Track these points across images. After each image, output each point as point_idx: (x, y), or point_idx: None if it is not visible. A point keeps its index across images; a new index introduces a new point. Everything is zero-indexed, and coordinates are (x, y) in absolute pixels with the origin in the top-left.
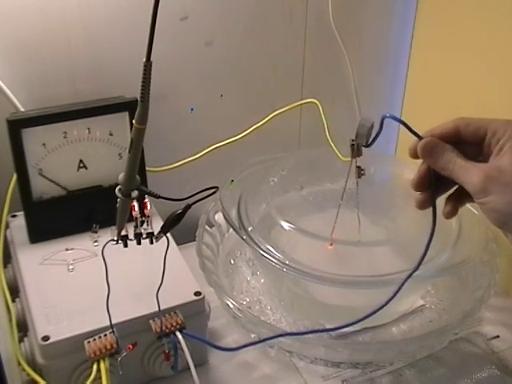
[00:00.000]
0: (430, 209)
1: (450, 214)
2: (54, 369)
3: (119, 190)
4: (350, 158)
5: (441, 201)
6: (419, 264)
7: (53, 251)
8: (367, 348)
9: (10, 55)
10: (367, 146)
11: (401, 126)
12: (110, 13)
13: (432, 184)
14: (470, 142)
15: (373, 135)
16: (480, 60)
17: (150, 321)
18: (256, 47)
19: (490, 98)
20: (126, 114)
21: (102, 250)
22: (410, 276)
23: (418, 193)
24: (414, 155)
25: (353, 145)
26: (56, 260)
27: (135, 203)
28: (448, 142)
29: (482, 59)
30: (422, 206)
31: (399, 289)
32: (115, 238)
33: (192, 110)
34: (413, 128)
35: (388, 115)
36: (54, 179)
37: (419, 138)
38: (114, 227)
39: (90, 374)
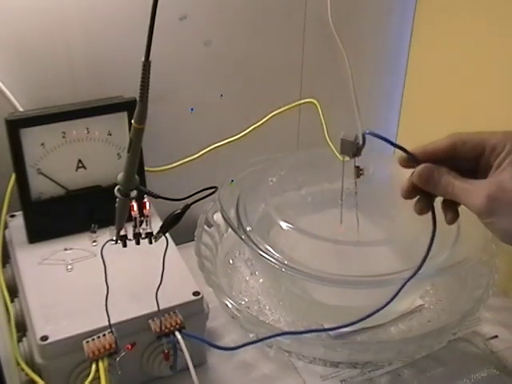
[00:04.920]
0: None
1: (452, 220)
2: (52, 369)
3: (118, 189)
4: (349, 158)
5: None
6: (419, 268)
7: (52, 251)
8: (366, 348)
9: (8, 55)
10: (354, 156)
11: (400, 126)
12: (109, 12)
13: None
14: (467, 159)
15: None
16: (480, 61)
17: (149, 321)
18: (255, 47)
19: (490, 100)
20: (125, 114)
21: (101, 250)
22: (408, 280)
23: (415, 199)
24: (404, 166)
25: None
26: (55, 260)
27: (134, 203)
28: (443, 158)
29: (482, 60)
30: (421, 211)
31: (398, 292)
32: (114, 238)
33: (192, 110)
34: (395, 142)
35: (368, 131)
36: (52, 179)
37: (404, 150)
38: (112, 227)
39: (88, 374)
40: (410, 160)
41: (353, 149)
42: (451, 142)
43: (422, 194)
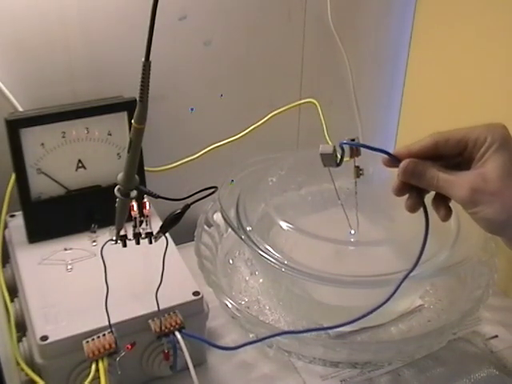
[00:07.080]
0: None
1: (446, 216)
2: (52, 369)
3: (118, 189)
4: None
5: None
6: (415, 265)
7: (51, 251)
8: (366, 348)
9: (8, 55)
10: (338, 165)
11: (399, 125)
12: (108, 12)
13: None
14: (452, 156)
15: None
16: (479, 60)
17: (149, 321)
18: (255, 47)
19: (488, 98)
20: (125, 114)
21: (101, 250)
22: (406, 277)
23: (406, 197)
24: (388, 166)
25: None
26: (54, 260)
27: (134, 203)
28: (427, 157)
29: (481, 59)
30: (412, 209)
31: (396, 289)
32: (114, 238)
33: (192, 110)
34: (373, 146)
35: (345, 141)
36: (52, 179)
37: (385, 153)
38: (112, 227)
39: (88, 374)
40: (393, 160)
41: (335, 160)
42: (434, 141)
43: (411, 191)
